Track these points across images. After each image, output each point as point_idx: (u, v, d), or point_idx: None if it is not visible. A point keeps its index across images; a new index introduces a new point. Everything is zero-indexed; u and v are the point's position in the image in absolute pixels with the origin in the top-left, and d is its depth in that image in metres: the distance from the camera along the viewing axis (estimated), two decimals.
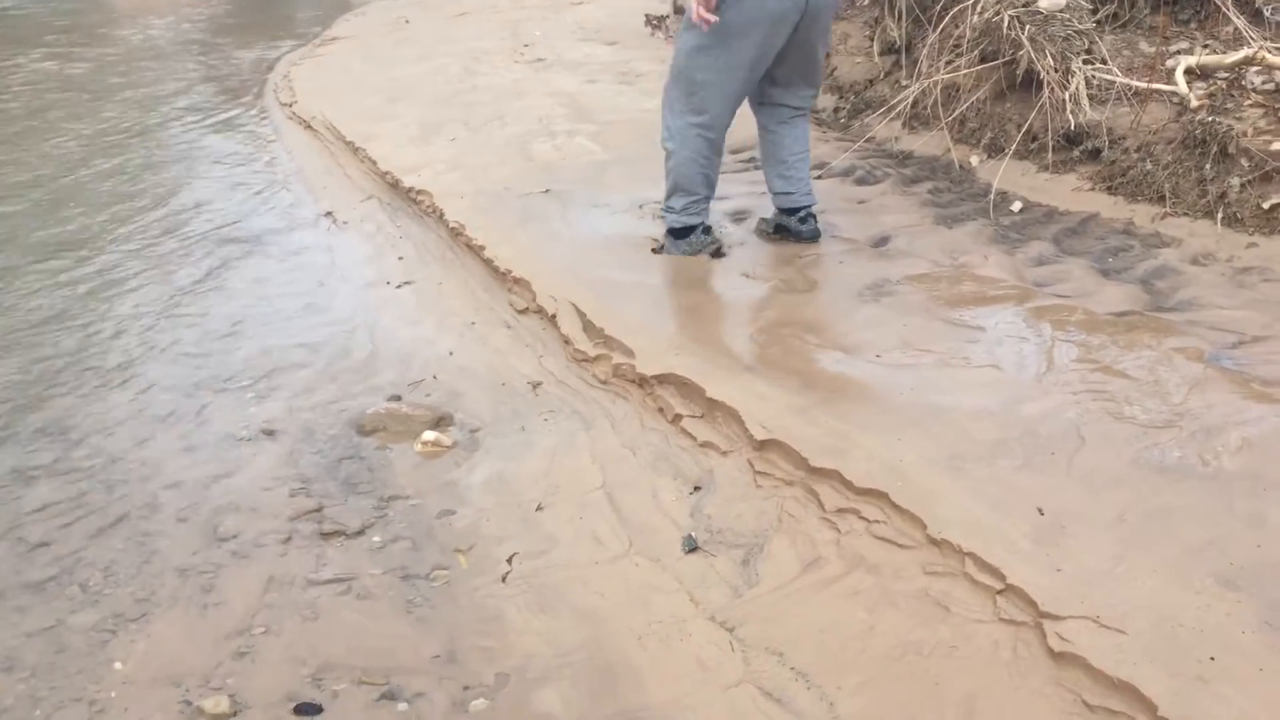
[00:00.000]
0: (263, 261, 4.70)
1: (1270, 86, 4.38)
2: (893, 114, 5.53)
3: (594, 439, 3.11)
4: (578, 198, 4.68)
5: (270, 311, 4.18)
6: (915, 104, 5.47)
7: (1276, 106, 4.28)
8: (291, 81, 7.66)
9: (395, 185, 5.20)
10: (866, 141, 5.45)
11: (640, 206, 4.53)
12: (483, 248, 4.26)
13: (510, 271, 4.02)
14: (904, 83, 5.71)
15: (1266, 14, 4.67)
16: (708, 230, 4.09)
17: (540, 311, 3.76)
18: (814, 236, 4.16)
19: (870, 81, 6.10)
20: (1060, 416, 2.82)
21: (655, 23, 7.95)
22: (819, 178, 4.95)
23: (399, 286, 4.31)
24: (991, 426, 2.80)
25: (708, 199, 4.06)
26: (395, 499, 2.96)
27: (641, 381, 3.24)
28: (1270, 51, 4.42)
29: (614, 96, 6.17)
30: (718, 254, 4.07)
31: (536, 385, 3.48)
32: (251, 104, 7.61)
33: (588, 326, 3.58)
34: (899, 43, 5.93)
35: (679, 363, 3.23)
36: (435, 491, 2.99)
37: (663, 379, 3.20)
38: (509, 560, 2.66)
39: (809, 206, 4.16)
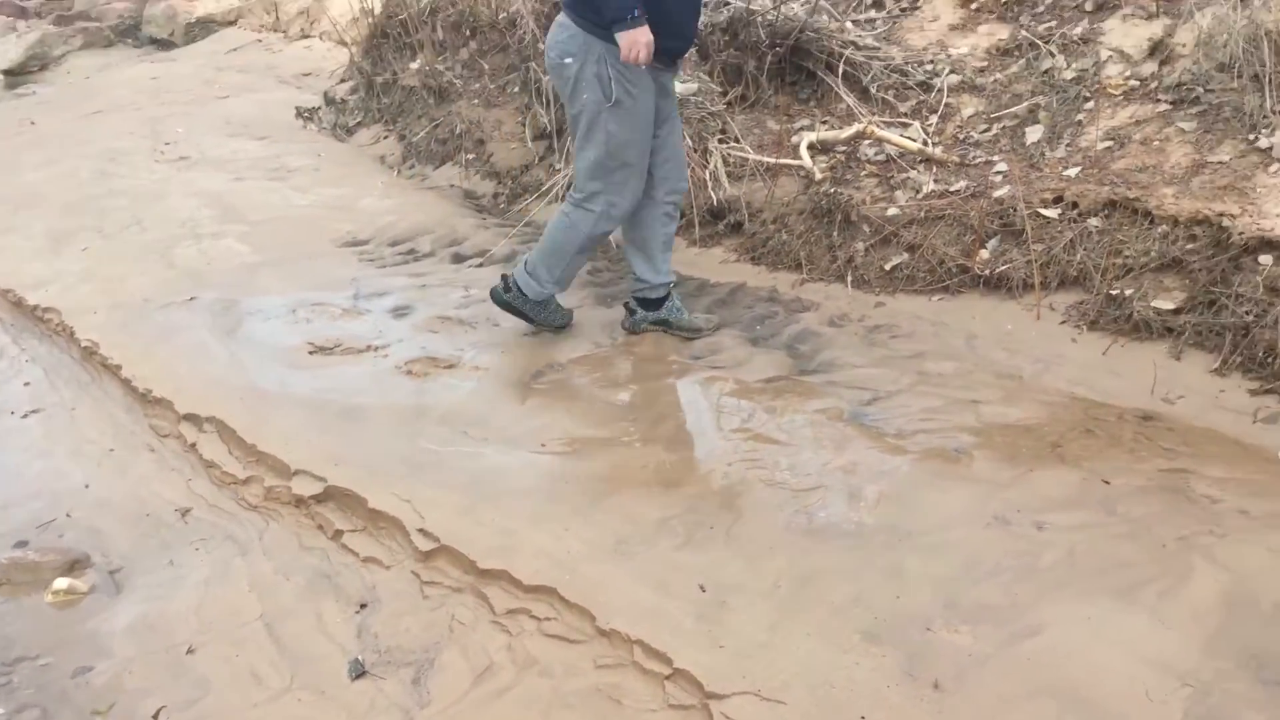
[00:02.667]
0: None
1: (882, 157, 4.79)
2: (549, 197, 5.63)
3: (250, 565, 2.91)
4: (226, 305, 4.42)
5: None
6: (569, 186, 5.58)
7: (888, 176, 4.68)
8: None
9: (19, 304, 4.74)
10: (526, 225, 5.51)
11: (294, 310, 4.34)
12: (120, 367, 3.94)
13: (151, 391, 3.74)
14: (558, 166, 5.83)
15: (872, 92, 5.11)
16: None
17: (185, 434, 3.51)
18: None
19: (526, 166, 6.19)
20: (718, 490, 2.91)
21: (307, 115, 7.75)
22: (480, 265, 4.95)
23: (25, 416, 3.90)
24: (654, 507, 2.85)
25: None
26: (21, 661, 2.64)
27: (298, 500, 3.07)
28: (878, 126, 4.84)
29: (264, 194, 5.94)
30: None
31: (186, 512, 3.23)
32: None
33: (239, 444, 3.37)
34: (549, 128, 6.07)
35: (339, 474, 3.10)
36: (70, 646, 2.69)
37: (321, 495, 3.05)
38: (155, 716, 2.42)
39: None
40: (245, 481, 3.23)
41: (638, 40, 3.46)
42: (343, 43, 8.61)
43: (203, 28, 11.30)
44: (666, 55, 3.69)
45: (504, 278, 4.06)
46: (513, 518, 2.83)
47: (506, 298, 4.02)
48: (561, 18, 3.69)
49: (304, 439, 3.33)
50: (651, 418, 3.36)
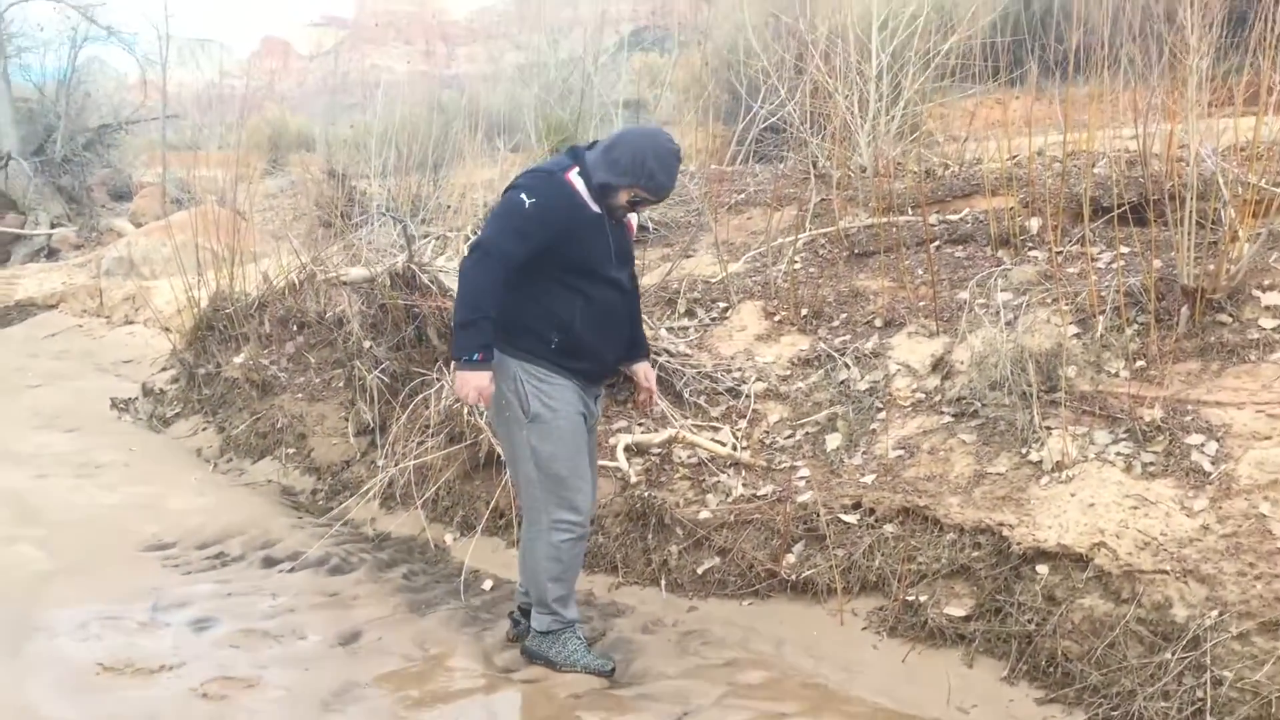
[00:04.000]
0: None
1: (694, 461, 4.98)
2: (369, 496, 5.60)
3: None
4: (11, 621, 4.16)
5: None
6: (391, 484, 5.59)
7: (700, 479, 4.86)
8: None
9: None
10: (344, 525, 5.44)
11: (85, 625, 4.12)
12: None
13: None
14: (380, 463, 5.84)
15: (685, 396, 5.37)
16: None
17: None
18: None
19: (347, 463, 6.19)
20: None
21: (123, 405, 7.62)
22: (292, 570, 4.83)
23: None
24: None
25: None
26: None
27: None
28: (689, 431, 5.05)
29: (69, 493, 5.72)
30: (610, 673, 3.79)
31: None
32: None
33: None
34: (373, 424, 6.11)
35: None
36: None
37: None
38: None
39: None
40: None
41: (468, 382, 3.56)
42: (166, 330, 8.60)
43: (21, 311, 11.14)
44: (583, 377, 3.79)
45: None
46: None
47: (528, 645, 3.93)
48: None
49: None
50: None
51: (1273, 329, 4.18)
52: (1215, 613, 3.24)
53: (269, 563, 4.92)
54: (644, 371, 4.15)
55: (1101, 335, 4.44)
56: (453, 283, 6.00)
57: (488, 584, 4.69)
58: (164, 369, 8.27)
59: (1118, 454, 3.94)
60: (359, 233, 7.56)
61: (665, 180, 3.69)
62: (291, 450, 6.47)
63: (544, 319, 3.69)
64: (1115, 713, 3.24)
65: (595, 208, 3.69)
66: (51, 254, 13.54)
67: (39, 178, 14.74)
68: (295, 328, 7.29)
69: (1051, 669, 3.47)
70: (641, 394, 4.18)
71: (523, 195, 3.59)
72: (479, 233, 3.79)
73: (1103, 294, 4.58)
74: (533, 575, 3.86)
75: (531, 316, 3.68)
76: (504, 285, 3.57)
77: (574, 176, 3.67)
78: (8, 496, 5.63)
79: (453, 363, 3.62)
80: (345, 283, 6.60)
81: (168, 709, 3.53)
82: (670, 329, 6.03)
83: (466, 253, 3.72)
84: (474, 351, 3.55)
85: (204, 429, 7.10)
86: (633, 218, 3.98)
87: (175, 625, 4.16)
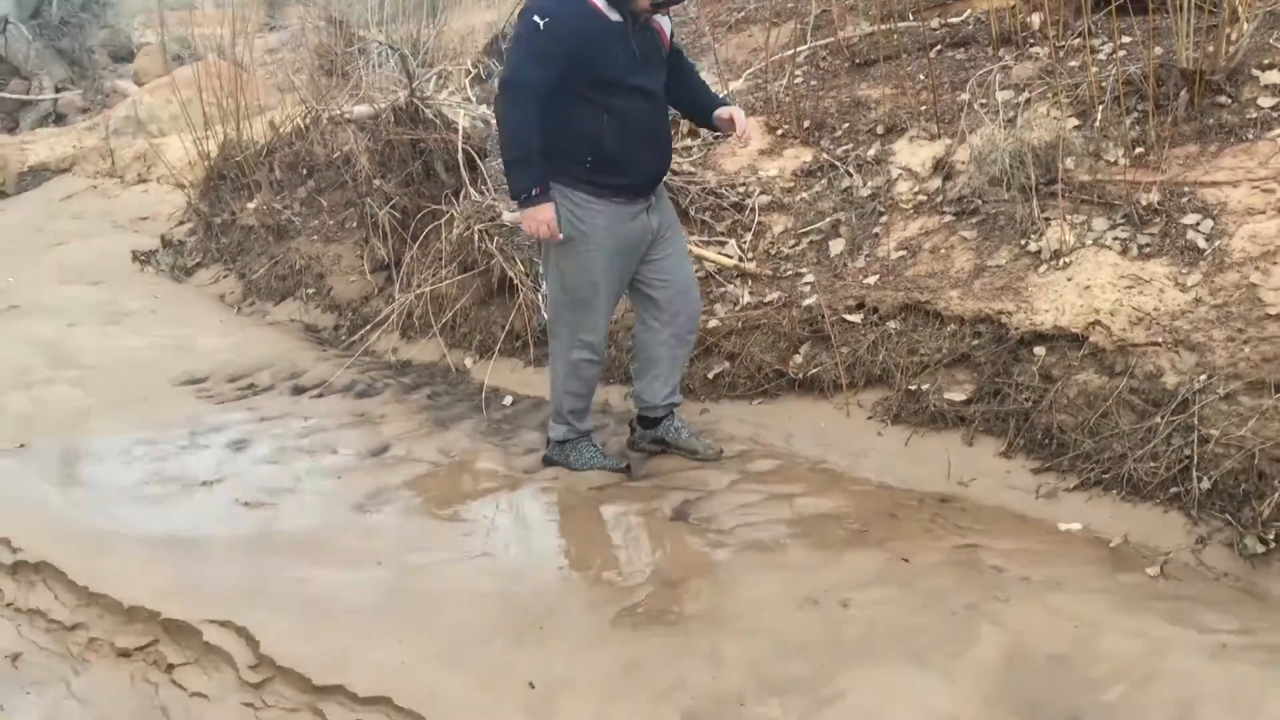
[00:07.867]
0: None
1: (702, 274, 5.08)
2: (388, 326, 5.76)
3: (83, 707, 2.89)
4: (58, 449, 4.39)
5: None
6: (409, 315, 5.74)
7: (709, 290, 4.96)
8: None
9: None
10: (366, 355, 5.62)
11: (128, 451, 4.34)
12: None
13: None
14: (396, 296, 5.97)
15: (691, 214, 5.44)
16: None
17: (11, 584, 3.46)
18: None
19: (366, 298, 6.33)
20: (547, 592, 3.04)
21: (144, 258, 7.74)
22: (320, 395, 5.03)
23: None
24: (487, 612, 2.96)
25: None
26: None
27: (124, 651, 3.06)
28: (696, 245, 5.14)
29: (99, 338, 5.90)
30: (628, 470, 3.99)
31: (16, 657, 3.17)
32: None
33: (70, 587, 3.34)
34: (388, 259, 6.23)
35: (173, 607, 3.11)
36: None
37: (156, 630, 3.06)
38: None
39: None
40: (71, 629, 3.20)
41: (534, 217, 3.57)
42: (180, 185, 8.67)
43: (35, 176, 11.18)
44: (629, 192, 3.74)
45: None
46: (349, 635, 2.90)
47: (547, 454, 4.11)
48: None
49: (139, 575, 3.33)
50: (482, 529, 3.48)
51: (1271, 107, 4.18)
52: (1204, 377, 3.37)
53: (298, 390, 5.11)
54: (729, 114, 3.96)
55: (1100, 125, 4.46)
56: (456, 116, 6.03)
57: (508, 400, 4.87)
58: (181, 222, 8.37)
59: (1115, 238, 4.01)
60: (361, 70, 7.52)
61: None
62: (311, 290, 6.61)
63: (573, 139, 3.63)
64: (1106, 475, 3.41)
65: (614, 15, 3.62)
66: (59, 118, 13.48)
67: (38, 42, 14.54)
68: (305, 172, 7.34)
69: (1047, 441, 3.62)
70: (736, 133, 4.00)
71: (535, 17, 3.51)
72: (503, 69, 3.73)
73: (1103, 85, 4.58)
74: (552, 386, 4.02)
75: (562, 138, 3.62)
76: (542, 114, 3.53)
77: None
78: (43, 344, 5.80)
79: (517, 207, 3.61)
80: (350, 121, 6.62)
81: (214, 518, 3.75)
82: (674, 149, 6.05)
83: (497, 92, 3.68)
84: (531, 188, 3.56)
85: (225, 276, 7.24)
86: (664, 22, 3.86)
87: (214, 447, 4.37)
